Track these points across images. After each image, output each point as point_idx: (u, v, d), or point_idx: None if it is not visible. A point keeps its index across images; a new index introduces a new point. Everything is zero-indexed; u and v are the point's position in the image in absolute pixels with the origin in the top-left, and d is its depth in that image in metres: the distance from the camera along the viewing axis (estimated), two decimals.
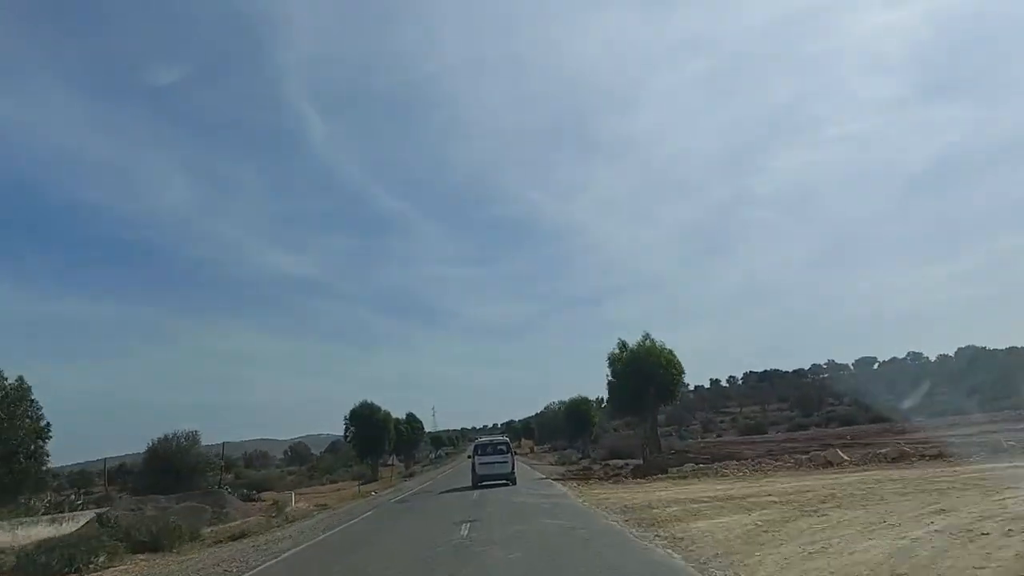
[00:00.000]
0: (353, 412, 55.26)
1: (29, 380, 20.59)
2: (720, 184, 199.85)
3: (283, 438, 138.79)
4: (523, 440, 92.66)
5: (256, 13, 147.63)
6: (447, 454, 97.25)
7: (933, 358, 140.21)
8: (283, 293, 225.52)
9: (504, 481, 26.11)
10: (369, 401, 56.07)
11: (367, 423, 54.65)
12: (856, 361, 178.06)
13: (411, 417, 59.79)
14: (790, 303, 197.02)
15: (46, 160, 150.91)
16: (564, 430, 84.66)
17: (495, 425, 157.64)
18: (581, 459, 48.26)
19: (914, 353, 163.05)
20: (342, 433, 59.22)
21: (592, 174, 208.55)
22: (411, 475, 55.04)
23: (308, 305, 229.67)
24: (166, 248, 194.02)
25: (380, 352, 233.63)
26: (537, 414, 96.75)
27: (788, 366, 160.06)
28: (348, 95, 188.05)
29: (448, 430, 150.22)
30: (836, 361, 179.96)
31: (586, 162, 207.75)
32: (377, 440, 54.75)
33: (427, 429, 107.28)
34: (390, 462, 66.43)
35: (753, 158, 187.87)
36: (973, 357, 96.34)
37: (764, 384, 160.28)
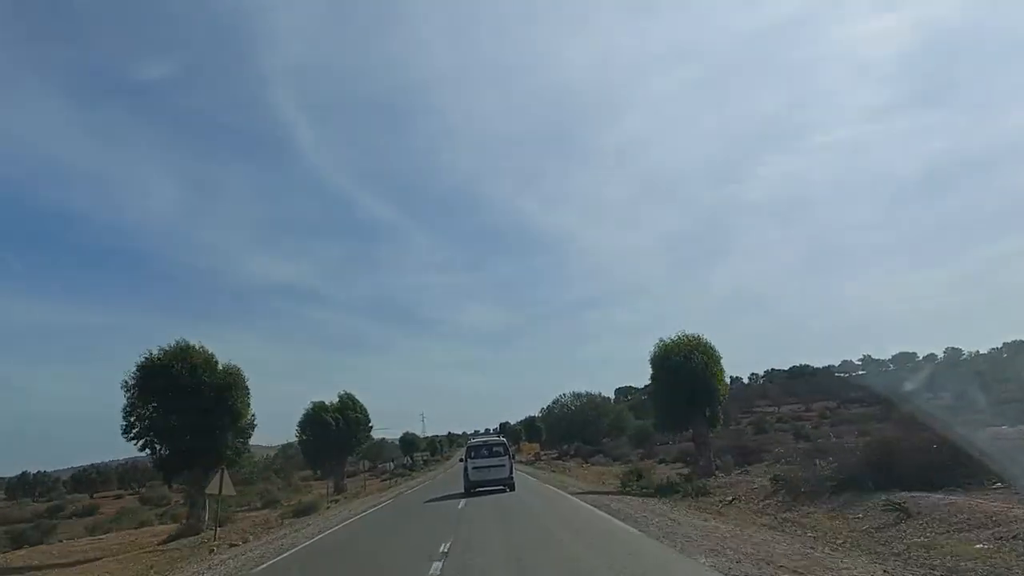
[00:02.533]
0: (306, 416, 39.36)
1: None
2: (709, 191, 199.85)
3: (269, 444, 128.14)
4: (522, 444, 75.61)
5: (245, 19, 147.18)
6: (424, 461, 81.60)
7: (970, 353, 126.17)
8: (269, 298, 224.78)
9: (501, 487, 23.84)
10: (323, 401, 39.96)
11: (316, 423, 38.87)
12: (894, 357, 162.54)
13: (347, 402, 40.11)
14: (779, 309, 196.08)
15: (31, 165, 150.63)
16: (586, 429, 68.86)
17: (487, 430, 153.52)
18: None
19: (953, 349, 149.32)
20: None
21: (580, 182, 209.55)
22: (342, 497, 38.46)
23: (294, 311, 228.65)
24: (151, 254, 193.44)
25: (368, 358, 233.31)
26: (546, 409, 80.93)
27: (784, 366, 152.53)
28: (337, 101, 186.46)
29: (436, 436, 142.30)
30: (873, 357, 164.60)
31: (574, 170, 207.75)
32: (327, 443, 38.79)
33: (416, 435, 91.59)
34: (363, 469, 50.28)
35: (742, 165, 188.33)
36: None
37: (797, 381, 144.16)
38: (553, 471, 43.13)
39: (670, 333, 23.21)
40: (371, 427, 41.65)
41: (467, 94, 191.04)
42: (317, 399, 39.17)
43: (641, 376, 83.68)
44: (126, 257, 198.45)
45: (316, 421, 38.68)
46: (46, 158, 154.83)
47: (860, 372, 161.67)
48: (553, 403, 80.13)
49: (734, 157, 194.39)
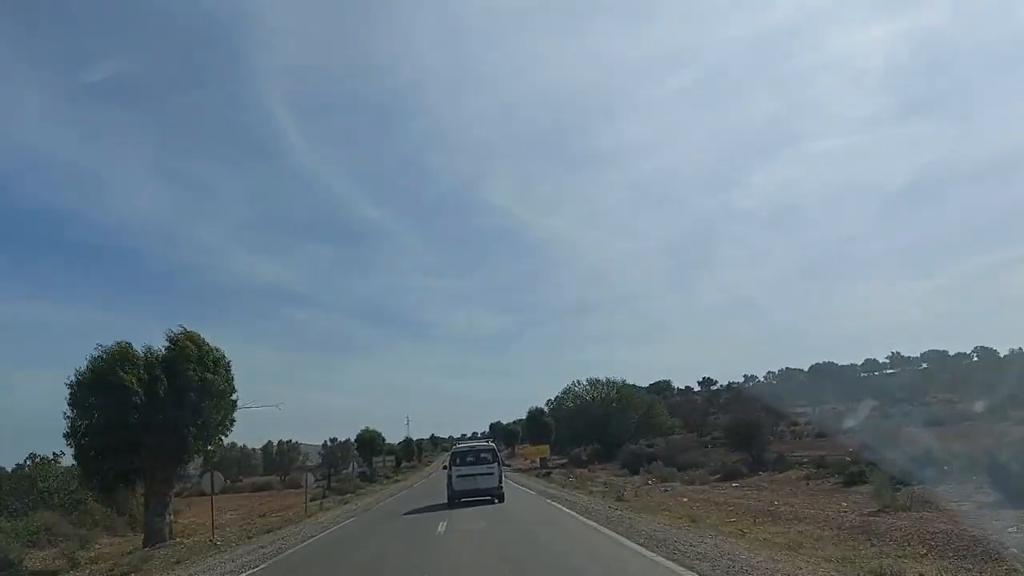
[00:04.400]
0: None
1: None
2: (702, 198, 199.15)
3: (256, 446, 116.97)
4: (520, 447, 54.63)
5: (237, 18, 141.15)
6: (395, 468, 59.94)
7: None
8: (257, 299, 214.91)
9: (488, 498, 20.88)
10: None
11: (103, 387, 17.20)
12: (924, 354, 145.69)
13: (185, 348, 20.67)
14: (771, 316, 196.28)
15: (15, 161, 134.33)
16: (609, 427, 48.30)
17: (474, 433, 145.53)
18: None
19: (982, 348, 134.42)
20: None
21: (573, 186, 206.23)
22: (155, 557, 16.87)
23: (284, 313, 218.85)
24: (138, 252, 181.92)
25: (357, 361, 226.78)
26: (554, 401, 59.40)
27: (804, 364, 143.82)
28: (329, 103, 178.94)
29: (420, 439, 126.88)
30: (901, 354, 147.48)
31: (567, 174, 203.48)
32: (125, 434, 17.07)
33: (399, 438, 68.58)
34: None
35: (735, 172, 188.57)
36: None
37: (826, 381, 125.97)
38: (589, 493, 22.36)
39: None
40: (236, 400, 19.94)
41: (460, 97, 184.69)
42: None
43: (635, 381, 64.56)
44: (111, 255, 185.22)
45: (104, 387, 17.17)
46: (30, 153, 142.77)
47: (890, 371, 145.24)
48: (564, 393, 58.94)
49: (728, 164, 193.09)
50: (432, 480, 42.28)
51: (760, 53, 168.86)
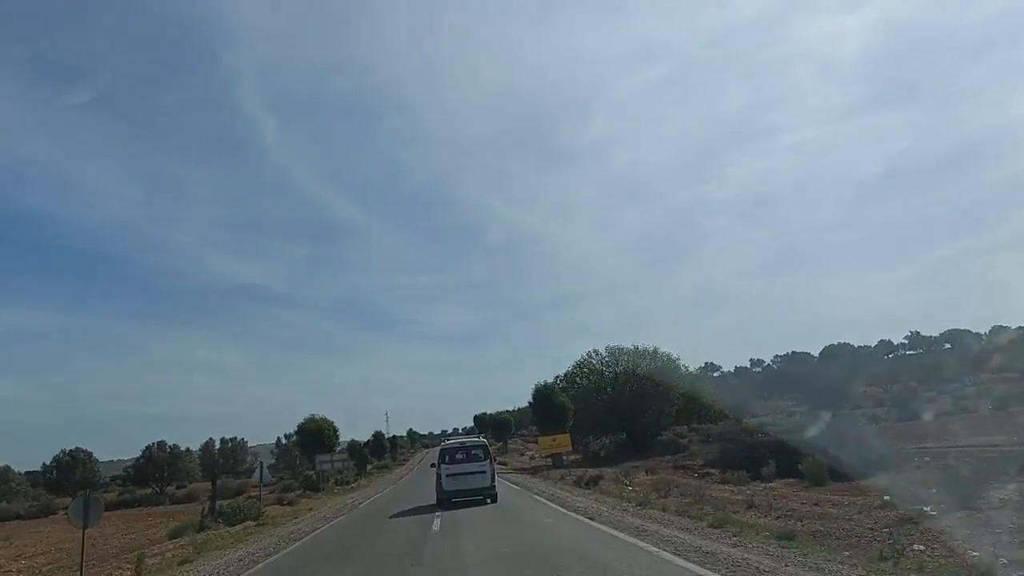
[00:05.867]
0: None
1: None
2: (678, 190, 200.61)
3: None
4: (512, 439, 40.64)
5: (209, 15, 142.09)
6: (357, 476, 44.70)
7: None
8: (233, 299, 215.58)
9: (480, 498, 19.11)
10: None
11: None
12: (944, 333, 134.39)
13: None
14: (747, 307, 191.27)
15: None
16: (644, 412, 34.62)
17: (455, 430, 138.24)
18: None
19: (998, 327, 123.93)
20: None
21: (549, 181, 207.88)
22: None
23: (260, 312, 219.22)
24: (115, 256, 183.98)
25: (334, 359, 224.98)
26: (564, 377, 44.61)
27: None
28: (303, 100, 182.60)
29: (395, 436, 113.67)
30: (921, 333, 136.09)
31: (543, 169, 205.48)
32: None
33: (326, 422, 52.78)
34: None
35: (710, 165, 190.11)
36: None
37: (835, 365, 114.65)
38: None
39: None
40: None
41: (435, 93, 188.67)
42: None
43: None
44: (85, 257, 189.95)
45: None
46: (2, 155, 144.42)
47: (910, 352, 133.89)
48: (578, 366, 44.48)
49: (702, 157, 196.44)
50: (407, 491, 28.54)
51: (733, 45, 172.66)
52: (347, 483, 44.05)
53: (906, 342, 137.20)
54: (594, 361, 44.17)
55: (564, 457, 32.47)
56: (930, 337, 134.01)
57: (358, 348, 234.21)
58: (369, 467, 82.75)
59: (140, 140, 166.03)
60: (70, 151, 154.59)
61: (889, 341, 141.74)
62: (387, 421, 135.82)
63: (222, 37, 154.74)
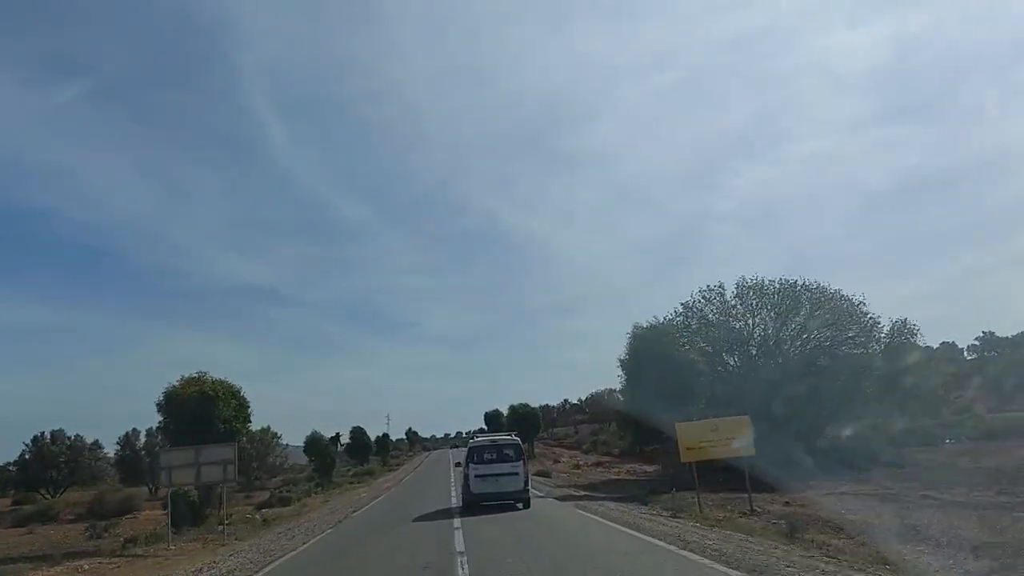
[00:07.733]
0: None
1: None
2: (683, 198, 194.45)
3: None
4: (547, 443, 31.37)
5: (218, 15, 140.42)
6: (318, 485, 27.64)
7: None
8: (237, 300, 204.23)
9: (511, 501, 18.32)
10: None
11: None
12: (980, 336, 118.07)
13: None
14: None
15: None
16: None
17: (459, 433, 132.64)
18: None
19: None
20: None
21: (554, 186, 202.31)
22: None
23: (264, 312, 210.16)
24: (118, 253, 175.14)
25: (337, 360, 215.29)
26: (631, 349, 26.68)
27: None
28: (309, 100, 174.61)
29: (387, 435, 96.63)
30: (996, 334, 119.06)
31: (549, 174, 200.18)
32: None
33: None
34: None
35: (716, 173, 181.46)
36: None
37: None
38: None
39: None
40: None
41: (442, 96, 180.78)
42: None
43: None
44: (90, 254, 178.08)
45: None
46: (6, 152, 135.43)
47: (992, 353, 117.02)
48: (687, 310, 26.75)
49: (710, 165, 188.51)
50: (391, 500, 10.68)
51: (742, 54, 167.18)
52: (287, 501, 25.58)
53: (977, 343, 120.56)
54: (715, 301, 26.39)
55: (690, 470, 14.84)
56: (1005, 338, 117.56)
57: (359, 348, 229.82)
58: (350, 471, 65.11)
59: (146, 138, 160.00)
60: (72, 147, 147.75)
61: (951, 343, 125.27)
62: (388, 423, 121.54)
63: (231, 37, 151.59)
